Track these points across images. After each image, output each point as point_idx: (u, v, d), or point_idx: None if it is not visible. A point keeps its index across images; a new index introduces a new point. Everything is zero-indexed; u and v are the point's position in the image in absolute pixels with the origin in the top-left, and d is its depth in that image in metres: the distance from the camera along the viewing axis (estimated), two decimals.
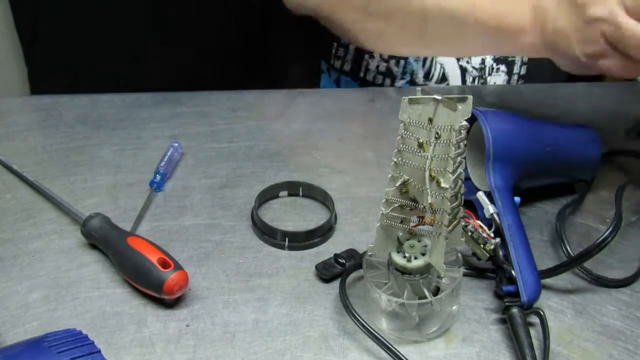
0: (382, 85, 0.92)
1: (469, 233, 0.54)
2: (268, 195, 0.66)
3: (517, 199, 0.58)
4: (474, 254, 0.55)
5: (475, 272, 0.57)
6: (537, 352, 0.48)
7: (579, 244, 0.59)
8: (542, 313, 0.51)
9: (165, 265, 0.53)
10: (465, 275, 0.56)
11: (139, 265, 0.53)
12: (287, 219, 0.63)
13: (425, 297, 0.50)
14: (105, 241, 0.57)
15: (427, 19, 0.73)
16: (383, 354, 0.49)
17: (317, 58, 1.00)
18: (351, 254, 0.58)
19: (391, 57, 0.89)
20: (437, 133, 0.45)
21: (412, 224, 0.50)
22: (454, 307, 0.52)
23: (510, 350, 0.50)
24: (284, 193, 0.67)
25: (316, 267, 0.57)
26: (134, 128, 0.77)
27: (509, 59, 0.90)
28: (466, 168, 0.64)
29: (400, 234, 0.51)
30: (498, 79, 0.91)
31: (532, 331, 0.50)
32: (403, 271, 0.50)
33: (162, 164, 0.68)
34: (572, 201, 0.65)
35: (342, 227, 0.62)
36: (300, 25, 0.93)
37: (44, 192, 0.65)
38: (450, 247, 0.51)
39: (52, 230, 0.61)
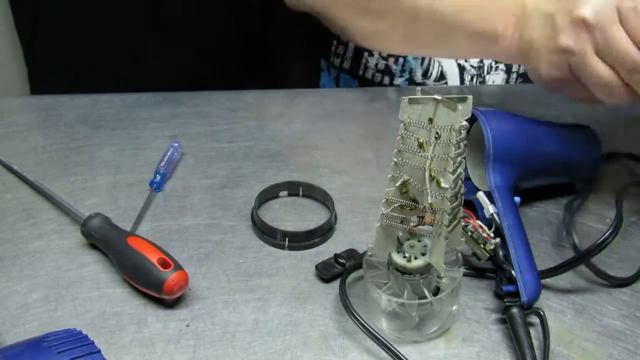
0: (381, 83, 0.92)
1: (469, 233, 0.54)
2: (268, 195, 0.66)
3: (517, 199, 0.58)
4: (474, 254, 0.55)
5: (475, 272, 0.57)
6: (537, 352, 0.48)
7: (579, 244, 0.59)
8: (542, 313, 0.51)
9: (165, 265, 0.53)
10: (465, 275, 0.56)
11: (139, 265, 0.53)
12: (287, 219, 0.63)
13: (425, 297, 0.50)
14: (105, 241, 0.57)
15: (418, 19, 0.73)
16: (383, 354, 0.49)
17: (317, 56, 1.01)
18: (351, 254, 0.58)
19: (390, 55, 0.90)
20: (437, 133, 0.45)
21: (412, 224, 0.50)
22: (454, 307, 0.52)
23: (510, 350, 0.50)
24: (284, 193, 0.67)
25: (316, 267, 0.57)
26: (134, 128, 0.77)
27: None
28: (466, 168, 0.64)
29: (400, 234, 0.51)
30: (497, 77, 0.91)
31: (532, 331, 0.50)
32: (403, 271, 0.50)
33: (162, 164, 0.68)
34: (577, 197, 0.65)
35: (342, 227, 0.62)
36: (300, 23, 0.93)
37: (44, 192, 0.65)
38: (450, 247, 0.51)
39: (52, 230, 0.61)
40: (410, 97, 0.45)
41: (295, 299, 0.54)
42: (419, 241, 0.51)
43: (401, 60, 0.89)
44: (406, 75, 0.90)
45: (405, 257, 0.50)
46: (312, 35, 0.96)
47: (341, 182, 0.68)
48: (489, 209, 0.56)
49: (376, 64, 0.91)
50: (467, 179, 0.63)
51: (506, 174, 0.59)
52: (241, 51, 1.15)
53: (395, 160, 0.47)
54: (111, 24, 1.06)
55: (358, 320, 0.49)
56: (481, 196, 0.57)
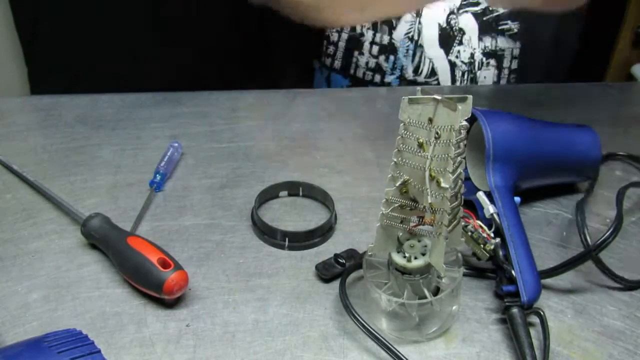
0: (372, 81, 0.93)
1: (469, 233, 0.54)
2: (268, 195, 0.66)
3: (517, 199, 0.58)
4: (474, 254, 0.55)
5: (475, 272, 0.57)
6: (537, 352, 0.48)
7: (580, 245, 0.59)
8: (542, 313, 0.51)
9: (165, 265, 0.53)
10: (465, 275, 0.56)
11: (139, 265, 0.53)
12: (287, 219, 0.63)
13: (425, 297, 0.50)
14: (105, 241, 0.57)
15: None
16: (383, 354, 0.49)
17: (310, 57, 1.01)
18: (351, 254, 0.58)
19: (380, 52, 0.90)
20: (437, 133, 0.45)
21: (412, 224, 0.50)
22: (454, 307, 0.52)
23: (510, 350, 0.50)
24: (284, 193, 0.67)
25: (316, 267, 0.57)
26: (134, 128, 0.77)
27: (498, 52, 0.90)
28: (466, 168, 0.64)
29: (400, 234, 0.51)
30: (487, 73, 0.91)
31: (532, 331, 0.50)
32: (403, 271, 0.50)
33: (162, 164, 0.68)
34: (586, 196, 0.65)
35: (342, 227, 0.62)
36: (293, 25, 0.93)
37: (44, 192, 0.65)
38: (450, 247, 0.51)
39: (52, 230, 0.61)
40: (410, 97, 0.45)
41: (295, 299, 0.54)
42: (419, 241, 0.51)
43: (392, 58, 0.90)
44: (397, 73, 0.91)
45: (405, 257, 0.50)
46: (304, 37, 0.97)
47: (341, 182, 0.68)
48: (489, 209, 0.56)
49: (367, 63, 0.92)
50: (467, 179, 0.63)
51: (506, 174, 0.59)
52: (241, 51, 1.15)
53: (395, 160, 0.47)
54: (111, 24, 1.06)
55: (358, 320, 0.49)
56: (481, 196, 0.57)
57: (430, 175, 0.46)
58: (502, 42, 0.90)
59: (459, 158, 0.46)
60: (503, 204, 0.57)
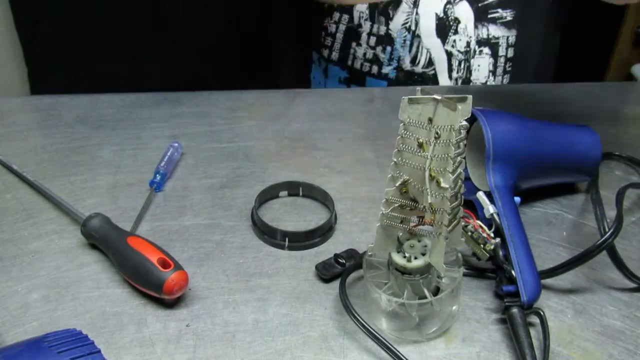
0: (369, 72, 0.93)
1: (469, 233, 0.54)
2: (268, 195, 0.66)
3: (517, 199, 0.58)
4: (474, 254, 0.55)
5: (475, 272, 0.57)
6: (537, 352, 0.48)
7: (580, 244, 0.60)
8: (542, 313, 0.51)
9: (165, 265, 0.53)
10: (465, 275, 0.56)
11: (139, 265, 0.53)
12: (287, 219, 0.63)
13: (425, 297, 0.50)
14: (105, 241, 0.57)
15: None
16: (383, 354, 0.49)
17: (309, 48, 1.01)
18: (351, 254, 0.58)
19: (378, 43, 0.90)
20: (437, 133, 0.45)
21: (412, 224, 0.50)
22: (454, 307, 0.52)
23: (510, 350, 0.50)
24: (284, 193, 0.67)
25: (316, 267, 0.57)
26: (134, 128, 0.77)
27: (492, 41, 0.91)
28: (466, 168, 0.64)
29: (400, 234, 0.51)
30: (482, 61, 0.91)
31: (532, 331, 0.50)
32: (403, 271, 0.50)
33: (162, 164, 0.68)
34: (595, 190, 0.65)
35: (342, 227, 0.62)
36: (293, 16, 0.94)
37: (44, 192, 0.65)
38: (450, 247, 0.51)
39: (52, 230, 0.61)
40: (410, 97, 0.45)
41: (295, 299, 0.54)
42: (419, 241, 0.51)
43: (389, 49, 0.90)
44: (394, 64, 0.91)
45: (405, 257, 0.50)
46: (303, 27, 0.97)
47: (341, 182, 0.68)
48: (489, 209, 0.56)
49: (364, 54, 0.92)
50: (467, 179, 0.63)
51: (506, 174, 0.59)
52: (241, 51, 1.15)
53: (395, 160, 0.47)
54: (111, 24, 1.06)
55: (358, 320, 0.49)
56: (481, 196, 0.57)
57: (430, 175, 0.46)
58: (494, 31, 0.90)
59: (458, 158, 0.46)
60: (503, 204, 0.57)
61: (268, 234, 0.60)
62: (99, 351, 0.39)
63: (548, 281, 0.55)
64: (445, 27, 0.89)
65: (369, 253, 0.51)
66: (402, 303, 0.49)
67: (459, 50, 0.90)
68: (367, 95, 0.86)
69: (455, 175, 0.45)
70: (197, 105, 0.82)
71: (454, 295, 0.51)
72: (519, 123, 0.62)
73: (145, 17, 1.08)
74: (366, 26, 0.91)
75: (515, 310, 0.51)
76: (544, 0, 0.94)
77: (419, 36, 0.89)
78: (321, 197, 0.66)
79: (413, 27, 0.89)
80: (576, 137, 0.65)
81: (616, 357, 0.50)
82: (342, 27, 0.94)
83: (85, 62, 1.08)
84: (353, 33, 0.93)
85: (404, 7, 0.89)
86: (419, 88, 0.46)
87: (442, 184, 0.46)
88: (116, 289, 0.55)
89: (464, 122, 0.44)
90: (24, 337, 0.43)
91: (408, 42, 0.90)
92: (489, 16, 0.89)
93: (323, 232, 0.61)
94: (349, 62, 0.95)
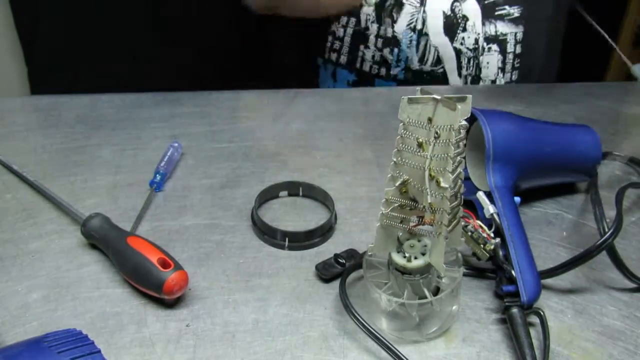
0: (378, 74, 0.93)
1: (469, 233, 0.54)
2: (268, 195, 0.66)
3: (517, 199, 0.58)
4: (474, 254, 0.55)
5: (475, 272, 0.57)
6: (537, 352, 0.48)
7: (580, 245, 0.59)
8: (542, 313, 0.51)
9: (165, 265, 0.53)
10: (465, 275, 0.56)
11: (139, 265, 0.53)
12: (287, 219, 0.63)
13: (425, 297, 0.50)
14: (105, 241, 0.57)
15: None
16: (383, 354, 0.49)
17: (312, 56, 1.01)
18: (351, 254, 0.58)
19: (385, 45, 0.91)
20: (437, 133, 0.45)
21: (412, 224, 0.50)
22: (454, 307, 0.52)
23: (510, 350, 0.50)
24: (284, 193, 0.67)
25: (316, 267, 0.57)
26: (134, 128, 0.77)
27: (500, 37, 0.91)
28: (466, 168, 0.64)
29: (400, 234, 0.51)
30: (491, 58, 0.92)
31: (532, 331, 0.50)
32: (403, 271, 0.50)
33: (162, 164, 0.68)
34: (595, 191, 0.65)
35: (342, 227, 0.62)
36: (293, 25, 0.95)
37: (44, 192, 0.65)
38: (450, 247, 0.51)
39: (52, 230, 0.61)
40: (409, 97, 0.45)
41: (295, 299, 0.54)
42: (419, 241, 0.51)
43: (396, 50, 0.91)
44: (402, 65, 0.92)
45: (405, 257, 0.50)
46: (305, 35, 0.97)
47: (341, 182, 0.68)
48: (489, 209, 0.56)
49: (372, 56, 0.93)
50: (467, 179, 0.63)
51: (506, 174, 0.59)
52: (241, 51, 1.16)
53: (395, 160, 0.47)
54: (111, 24, 1.07)
55: (358, 320, 0.49)
56: (481, 196, 0.57)
57: (430, 175, 0.46)
58: (502, 27, 0.90)
59: (458, 158, 0.45)
60: (503, 204, 0.57)
61: (268, 234, 0.60)
62: (99, 351, 0.39)
63: (548, 281, 0.55)
64: (453, 24, 0.89)
65: (369, 253, 0.51)
66: (402, 303, 0.49)
67: (467, 48, 0.90)
68: (367, 95, 0.86)
69: (455, 175, 0.45)
70: (197, 105, 0.82)
71: (454, 295, 0.51)
72: (519, 123, 0.62)
73: (145, 17, 1.08)
74: (373, 28, 0.91)
75: (515, 310, 0.51)
76: None
77: (426, 34, 0.89)
78: (321, 197, 0.66)
79: (419, 26, 0.89)
80: (576, 137, 0.65)
81: (616, 357, 0.50)
82: (350, 30, 0.94)
83: (85, 62, 1.08)
84: (360, 36, 0.93)
85: (408, 8, 0.89)
86: (418, 88, 0.46)
87: (442, 184, 0.46)
88: (116, 289, 0.55)
89: (464, 122, 0.44)
90: (24, 337, 0.43)
91: (414, 42, 0.90)
92: (496, 13, 0.90)
93: (323, 232, 0.61)
94: (358, 65, 0.95)
